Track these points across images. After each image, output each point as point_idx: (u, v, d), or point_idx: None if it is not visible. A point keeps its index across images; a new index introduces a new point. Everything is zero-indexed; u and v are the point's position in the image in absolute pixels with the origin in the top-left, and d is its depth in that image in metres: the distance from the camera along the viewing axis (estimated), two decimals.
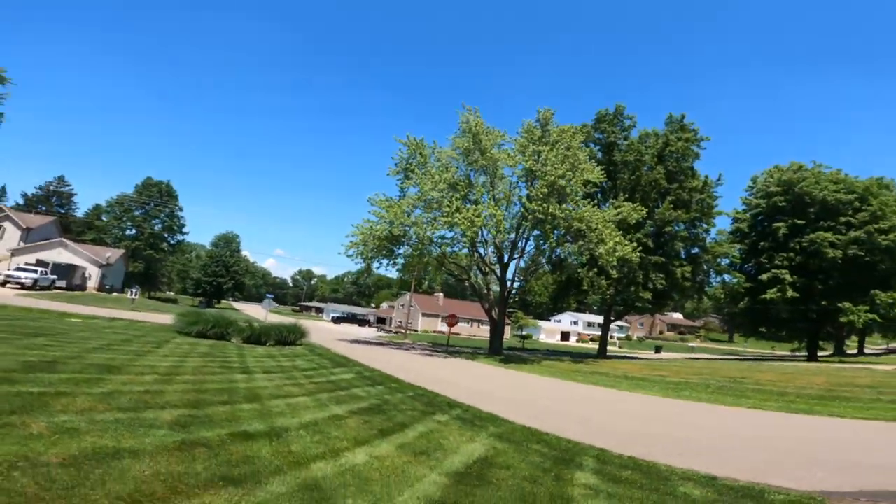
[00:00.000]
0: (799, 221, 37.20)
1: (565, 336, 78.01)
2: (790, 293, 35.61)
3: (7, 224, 47.05)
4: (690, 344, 76.20)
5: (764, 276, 37.10)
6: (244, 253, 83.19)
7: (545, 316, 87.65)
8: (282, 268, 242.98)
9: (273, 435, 5.41)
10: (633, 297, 29.65)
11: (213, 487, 3.54)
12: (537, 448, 6.31)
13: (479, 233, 24.18)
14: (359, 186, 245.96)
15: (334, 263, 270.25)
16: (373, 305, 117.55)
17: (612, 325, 52.35)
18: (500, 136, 26.55)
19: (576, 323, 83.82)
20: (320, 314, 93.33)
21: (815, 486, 5.28)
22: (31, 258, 43.81)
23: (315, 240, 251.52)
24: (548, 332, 77.52)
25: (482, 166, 26.19)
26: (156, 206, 67.63)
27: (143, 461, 3.85)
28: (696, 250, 31.51)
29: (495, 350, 27.96)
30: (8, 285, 34.12)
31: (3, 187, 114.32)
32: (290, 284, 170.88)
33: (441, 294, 75.17)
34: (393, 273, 31.25)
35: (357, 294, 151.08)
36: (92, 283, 48.30)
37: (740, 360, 40.29)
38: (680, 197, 29.52)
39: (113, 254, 54.15)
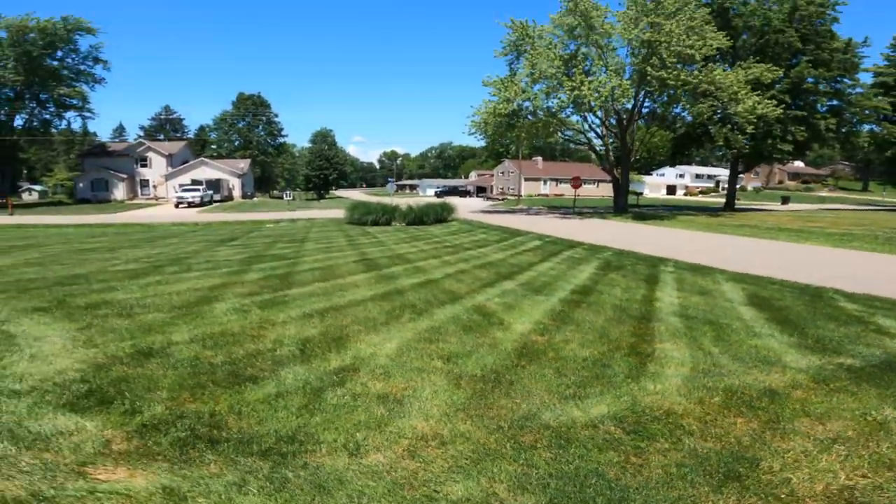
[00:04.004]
0: None
1: (671, 190, 75.49)
2: None
3: (150, 154, 52.07)
4: (820, 193, 69.60)
5: None
6: (339, 145, 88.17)
7: (644, 170, 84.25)
8: (362, 152, 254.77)
9: (588, 292, 7.66)
10: (770, 148, 30.58)
11: (624, 330, 5.75)
12: (777, 287, 8.10)
13: (606, 101, 26.43)
14: (427, 65, 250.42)
15: (413, 141, 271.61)
16: (461, 176, 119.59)
17: (726, 176, 49.98)
18: (606, 10, 26.83)
19: (682, 176, 79.88)
20: (415, 190, 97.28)
21: None
22: (181, 179, 47.63)
23: (390, 122, 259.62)
24: (651, 186, 75.41)
25: (593, 41, 26.79)
26: (254, 116, 75.38)
27: (571, 331, 6.15)
28: (837, 103, 32.03)
29: (620, 208, 29.65)
30: (181, 206, 38.05)
31: (120, 124, 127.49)
32: (378, 167, 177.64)
33: (539, 158, 74.47)
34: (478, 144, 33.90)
35: (443, 167, 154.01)
36: (236, 193, 52.84)
37: (892, 210, 40.32)
38: (819, 57, 29.80)
39: (244, 164, 58.54)
